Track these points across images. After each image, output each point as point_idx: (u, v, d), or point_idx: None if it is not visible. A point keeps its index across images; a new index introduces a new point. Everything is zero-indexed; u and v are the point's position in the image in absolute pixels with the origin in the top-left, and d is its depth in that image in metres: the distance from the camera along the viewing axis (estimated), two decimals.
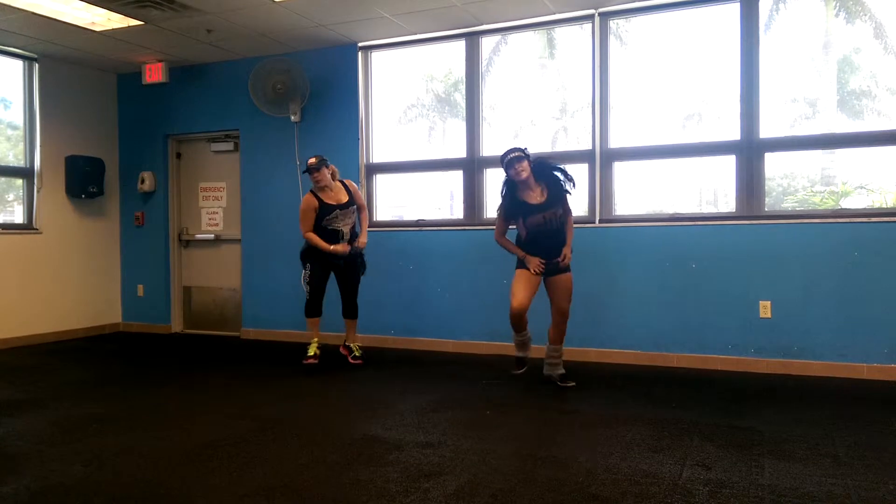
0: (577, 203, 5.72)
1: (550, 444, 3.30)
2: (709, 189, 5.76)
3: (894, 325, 4.65)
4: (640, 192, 5.74)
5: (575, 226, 5.45)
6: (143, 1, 5.09)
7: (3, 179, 6.61)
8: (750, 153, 5.10)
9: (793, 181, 5.68)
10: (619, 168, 5.53)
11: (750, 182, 5.09)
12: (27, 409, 4.07)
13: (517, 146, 4.26)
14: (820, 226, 4.85)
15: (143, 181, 7.13)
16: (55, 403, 4.20)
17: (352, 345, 5.38)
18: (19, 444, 3.39)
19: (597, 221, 5.47)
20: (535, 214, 4.18)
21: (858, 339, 4.72)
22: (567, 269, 4.35)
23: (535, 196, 4.22)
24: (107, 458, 3.14)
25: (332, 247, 5.00)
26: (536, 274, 4.23)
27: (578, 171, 5.65)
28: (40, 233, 6.58)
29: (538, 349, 4.66)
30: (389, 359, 5.62)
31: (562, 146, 6.25)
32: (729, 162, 5.20)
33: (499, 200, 4.40)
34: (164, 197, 7.20)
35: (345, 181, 5.22)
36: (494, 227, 4.48)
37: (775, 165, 5.30)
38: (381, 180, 6.41)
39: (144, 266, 7.29)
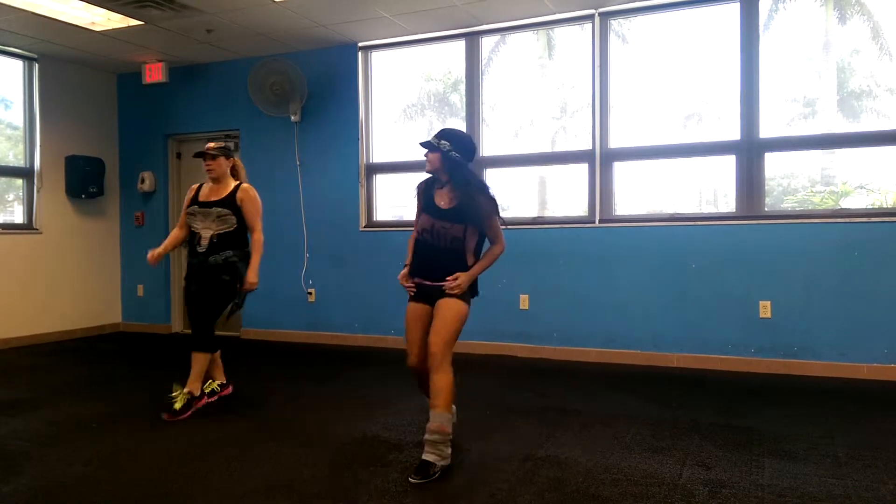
0: (577, 203, 5.73)
1: (550, 444, 3.30)
2: (709, 189, 5.77)
3: (894, 325, 4.65)
4: (641, 192, 5.74)
5: (576, 226, 5.50)
6: (143, 1, 5.09)
7: (3, 179, 6.61)
8: (750, 153, 5.10)
9: (793, 181, 5.69)
10: (619, 168, 5.53)
11: (750, 182, 5.09)
12: (27, 409, 4.06)
13: (452, 130, 3.25)
14: (820, 226, 4.85)
15: (143, 181, 7.12)
16: (55, 403, 4.19)
17: (175, 390, 3.88)
18: (19, 443, 3.38)
19: (597, 221, 5.47)
20: (426, 215, 3.18)
21: (858, 339, 4.72)
22: (453, 295, 3.05)
23: (443, 200, 3.16)
24: (107, 458, 3.14)
25: (155, 250, 3.97)
26: (408, 290, 3.19)
27: (578, 171, 5.67)
28: (40, 233, 6.58)
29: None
30: (389, 359, 5.61)
31: (562, 146, 6.26)
32: (729, 162, 5.20)
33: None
34: (165, 197, 7.20)
35: (242, 185, 4.04)
36: None
37: (775, 165, 5.31)
38: (381, 180, 6.41)
39: (144, 266, 7.21)
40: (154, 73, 6.69)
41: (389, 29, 5.87)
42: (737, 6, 5.11)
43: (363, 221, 6.31)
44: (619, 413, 3.85)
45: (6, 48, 6.28)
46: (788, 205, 5.54)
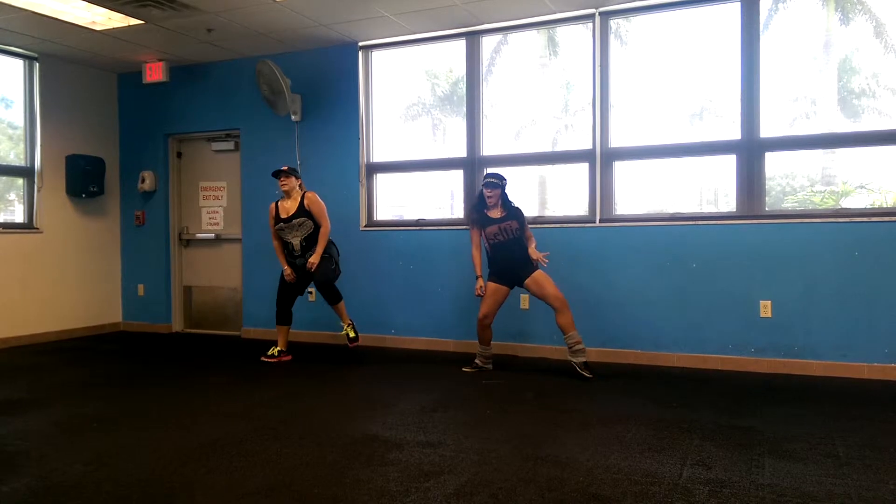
0: (578, 202, 5.73)
1: (550, 444, 3.30)
2: (709, 189, 5.76)
3: (894, 325, 4.65)
4: (641, 192, 5.74)
5: (576, 225, 5.53)
6: (143, 0, 5.10)
7: (3, 179, 6.61)
8: (750, 153, 5.09)
9: (793, 181, 5.68)
10: (620, 167, 5.53)
11: (750, 181, 5.09)
12: (27, 409, 4.07)
13: (500, 174, 4.97)
14: (820, 225, 4.85)
15: (143, 180, 7.13)
16: (55, 403, 4.20)
17: (344, 326, 5.48)
18: (19, 443, 3.39)
19: (597, 221, 5.47)
20: (492, 225, 4.84)
21: (859, 339, 4.72)
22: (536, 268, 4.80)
23: (496, 213, 4.90)
24: (107, 458, 3.14)
25: (285, 266, 5.40)
26: (478, 295, 4.93)
27: (579, 171, 5.67)
28: (41, 232, 6.59)
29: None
30: (389, 358, 5.61)
31: (563, 145, 6.25)
32: (729, 161, 5.20)
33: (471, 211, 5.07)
34: (165, 196, 7.20)
35: (306, 195, 5.31)
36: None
37: (776, 165, 5.30)
38: (381, 179, 6.41)
39: (145, 265, 7.29)
40: (154, 73, 6.69)
41: (390, 28, 5.87)
42: (737, 6, 5.11)
43: (363, 221, 6.31)
44: (619, 413, 3.85)
45: (7, 48, 6.28)
46: (789, 204, 5.53)
